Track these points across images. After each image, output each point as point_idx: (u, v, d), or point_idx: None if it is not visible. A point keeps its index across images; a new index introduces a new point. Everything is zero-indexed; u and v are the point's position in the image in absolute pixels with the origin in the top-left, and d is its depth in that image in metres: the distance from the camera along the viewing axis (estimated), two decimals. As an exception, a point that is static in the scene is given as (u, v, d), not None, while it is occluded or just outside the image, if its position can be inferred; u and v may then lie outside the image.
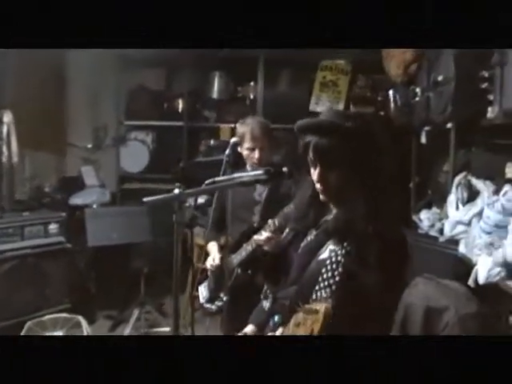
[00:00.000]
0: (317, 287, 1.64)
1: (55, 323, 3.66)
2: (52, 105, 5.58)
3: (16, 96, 4.79)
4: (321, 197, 1.75)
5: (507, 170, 3.05)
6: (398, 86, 4.28)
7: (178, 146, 5.64)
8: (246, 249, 2.88)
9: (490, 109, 2.99)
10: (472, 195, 3.26)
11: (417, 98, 3.89)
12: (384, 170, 1.70)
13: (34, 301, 4.13)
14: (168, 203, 1.85)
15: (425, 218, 3.80)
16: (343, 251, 1.62)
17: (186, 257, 2.23)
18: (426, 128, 3.98)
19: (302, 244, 1.85)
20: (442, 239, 3.42)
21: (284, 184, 2.92)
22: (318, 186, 1.72)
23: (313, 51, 5.35)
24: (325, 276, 1.63)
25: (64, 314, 3.80)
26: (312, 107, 5.38)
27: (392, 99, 4.29)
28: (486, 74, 3.00)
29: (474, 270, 2.82)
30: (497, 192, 3.02)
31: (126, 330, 4.41)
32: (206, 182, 2.02)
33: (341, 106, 5.33)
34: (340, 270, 1.61)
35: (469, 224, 3.16)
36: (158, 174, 5.59)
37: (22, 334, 3.54)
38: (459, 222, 3.23)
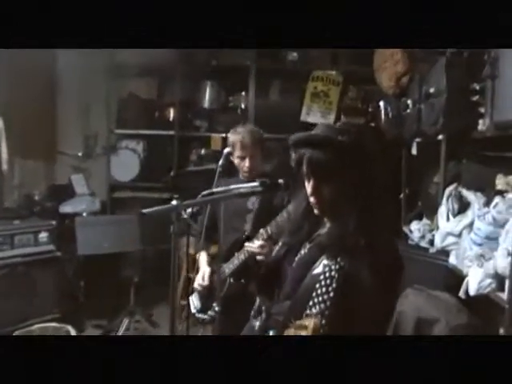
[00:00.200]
0: (311, 302, 1.64)
1: (44, 333, 3.62)
2: (43, 112, 5.56)
3: (6, 103, 4.76)
4: (315, 211, 1.75)
5: (497, 181, 3.05)
6: (390, 97, 4.29)
7: (169, 155, 5.63)
8: (239, 258, 2.87)
9: (481, 121, 3.01)
10: (462, 206, 3.26)
11: (408, 110, 3.90)
12: (377, 182, 1.71)
13: (24, 310, 4.10)
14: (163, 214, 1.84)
15: (415, 229, 3.81)
16: (337, 266, 1.62)
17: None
18: (417, 139, 3.99)
19: (296, 258, 1.85)
20: (432, 250, 3.44)
21: (277, 193, 2.91)
22: (311, 199, 1.73)
23: (305, 61, 5.44)
24: (319, 291, 1.63)
25: (53, 324, 3.77)
26: (303, 117, 5.39)
27: (383, 111, 4.31)
28: (478, 87, 3.03)
29: (464, 282, 2.82)
30: (487, 204, 3.02)
31: (116, 340, 4.37)
32: (203, 193, 2.02)
33: (332, 117, 5.34)
34: (334, 285, 1.61)
35: (459, 235, 3.17)
36: (148, 183, 5.56)
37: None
38: (450, 234, 3.24)
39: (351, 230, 1.62)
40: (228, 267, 2.94)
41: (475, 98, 3.07)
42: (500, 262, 2.59)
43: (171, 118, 5.72)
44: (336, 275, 1.61)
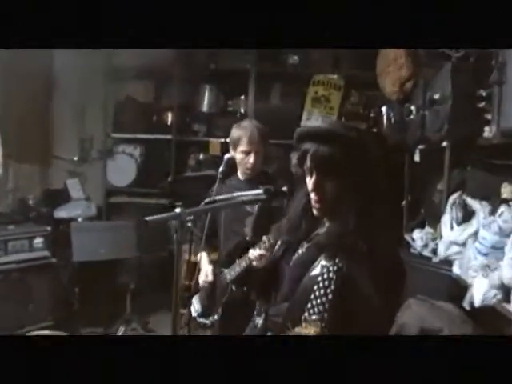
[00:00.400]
0: (309, 304, 1.62)
1: (38, 340, 3.57)
2: (38, 116, 5.51)
3: (1, 106, 4.71)
4: (314, 210, 1.73)
5: (503, 190, 3.02)
6: (392, 103, 4.25)
7: (167, 159, 5.56)
8: (240, 265, 2.82)
9: (487, 128, 2.97)
10: (467, 215, 3.22)
11: (411, 116, 3.85)
12: (379, 183, 1.71)
13: (18, 317, 4.04)
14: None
15: (418, 237, 3.77)
16: (335, 267, 1.60)
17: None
18: (420, 146, 3.95)
19: (294, 257, 1.83)
20: (435, 259, 3.39)
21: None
22: (312, 195, 1.71)
23: (305, 65, 5.39)
24: (317, 293, 1.61)
25: (47, 331, 3.73)
26: (303, 122, 5.31)
27: (385, 116, 4.26)
28: (484, 93, 2.99)
29: (469, 292, 2.79)
30: (492, 212, 2.98)
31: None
32: (206, 200, 1.99)
33: (332, 122, 5.29)
34: (332, 287, 1.59)
35: (463, 245, 3.14)
36: (145, 189, 5.51)
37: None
38: (454, 243, 3.21)
39: (350, 229, 1.61)
40: (229, 273, 2.90)
41: (481, 104, 3.03)
42: (506, 273, 2.56)
43: (169, 122, 5.66)
44: (334, 277, 1.59)
